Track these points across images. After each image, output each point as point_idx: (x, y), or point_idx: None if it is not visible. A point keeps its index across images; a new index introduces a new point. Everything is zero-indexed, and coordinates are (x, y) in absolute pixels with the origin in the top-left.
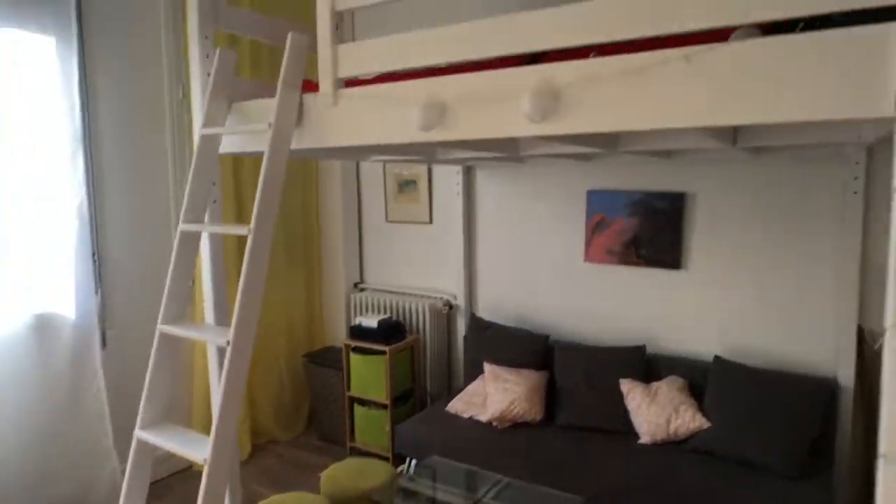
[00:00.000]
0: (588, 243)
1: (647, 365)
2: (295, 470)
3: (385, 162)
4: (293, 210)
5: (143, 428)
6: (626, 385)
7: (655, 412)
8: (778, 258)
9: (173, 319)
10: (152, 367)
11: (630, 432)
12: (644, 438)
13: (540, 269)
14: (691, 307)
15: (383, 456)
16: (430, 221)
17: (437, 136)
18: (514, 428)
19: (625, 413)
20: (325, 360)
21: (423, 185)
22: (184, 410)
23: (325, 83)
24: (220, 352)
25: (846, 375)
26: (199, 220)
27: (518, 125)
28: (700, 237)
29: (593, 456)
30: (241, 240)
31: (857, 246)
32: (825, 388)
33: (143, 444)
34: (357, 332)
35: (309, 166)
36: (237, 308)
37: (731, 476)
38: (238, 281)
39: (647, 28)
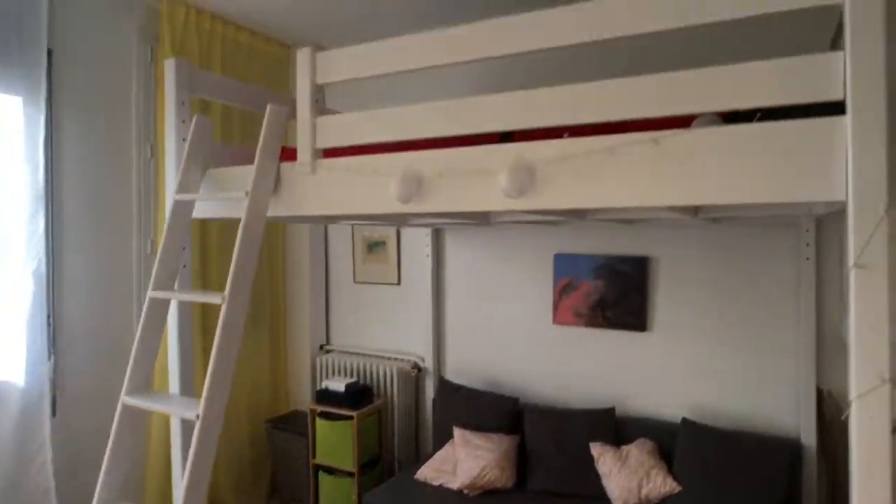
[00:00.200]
0: (556, 306)
1: (616, 427)
2: None
3: (354, 224)
4: (258, 270)
5: None
6: (596, 449)
7: (627, 476)
8: (738, 321)
9: (138, 390)
10: (113, 440)
11: (602, 497)
12: None
13: (509, 331)
14: (658, 369)
15: None
16: (399, 283)
17: (414, 207)
18: (486, 495)
19: (596, 477)
20: (290, 426)
21: (391, 246)
22: (135, 484)
23: (304, 153)
24: (186, 424)
25: (809, 436)
26: (170, 287)
27: (495, 200)
28: (664, 300)
29: None
30: (206, 305)
31: (811, 309)
32: (790, 450)
33: None
34: (323, 396)
35: (276, 225)
36: (208, 380)
37: None
38: (201, 347)
39: (616, 112)
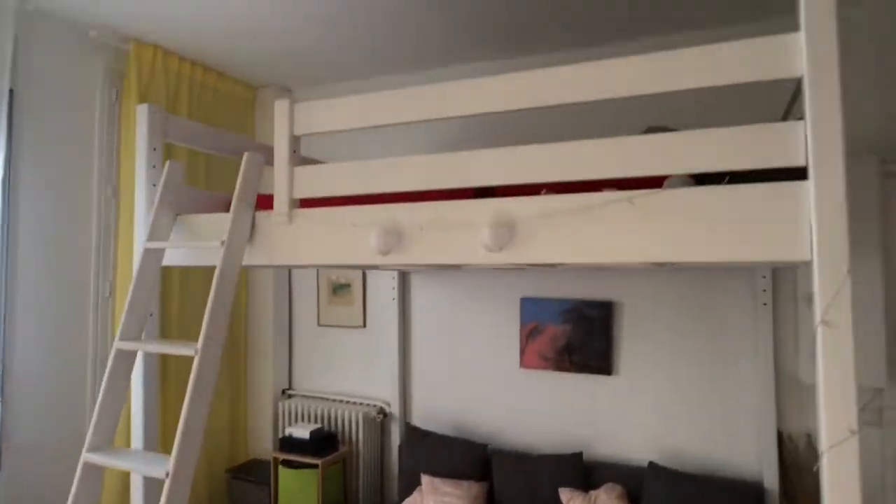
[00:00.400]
0: (523, 350)
1: (585, 472)
2: None
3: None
4: None
5: None
6: (565, 494)
7: None
8: (701, 364)
9: (101, 446)
10: (73, 501)
11: None
12: None
13: (476, 375)
14: (624, 412)
15: None
16: (364, 325)
17: (394, 259)
18: None
19: None
20: (250, 475)
21: (357, 288)
22: None
23: (281, 203)
24: (149, 482)
25: (771, 479)
26: (137, 337)
27: (475, 254)
28: (629, 344)
29: None
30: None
31: (769, 353)
32: (753, 493)
33: None
34: (287, 443)
35: None
36: (179, 436)
37: None
38: (164, 399)
39: (593, 172)
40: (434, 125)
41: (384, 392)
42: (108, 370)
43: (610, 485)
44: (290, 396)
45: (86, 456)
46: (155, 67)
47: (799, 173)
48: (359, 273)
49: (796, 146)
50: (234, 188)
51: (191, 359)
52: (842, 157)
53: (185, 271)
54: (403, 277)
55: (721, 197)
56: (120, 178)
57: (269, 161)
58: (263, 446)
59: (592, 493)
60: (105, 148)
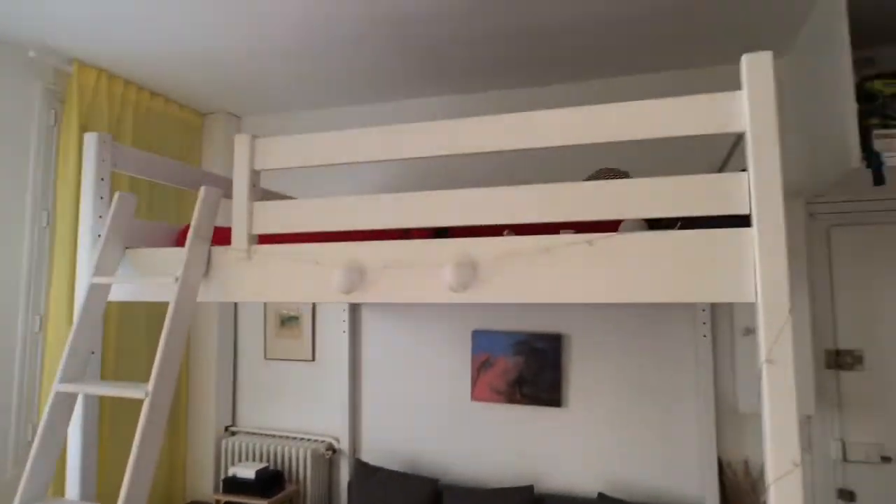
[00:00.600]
0: (474, 382)
1: None
2: None
3: None
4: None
5: None
6: None
7: None
8: (646, 395)
9: (36, 497)
10: None
11: None
12: None
13: (427, 408)
14: (573, 444)
15: None
16: (313, 359)
17: (357, 298)
18: None
19: None
20: None
21: (306, 321)
22: None
23: (239, 238)
24: None
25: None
26: (79, 378)
27: (438, 293)
28: (578, 376)
29: None
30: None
31: (710, 383)
32: None
33: None
34: (231, 485)
35: None
36: (127, 487)
37: None
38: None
39: (553, 215)
40: (389, 165)
41: (333, 427)
42: (45, 414)
43: None
44: (233, 433)
45: None
46: (98, 91)
47: (743, 220)
48: (308, 305)
49: (741, 195)
50: (177, 218)
51: (132, 400)
52: (781, 206)
53: (125, 305)
54: (354, 310)
55: (674, 241)
56: (56, 207)
57: (226, 193)
58: (204, 488)
59: None
60: (41, 174)
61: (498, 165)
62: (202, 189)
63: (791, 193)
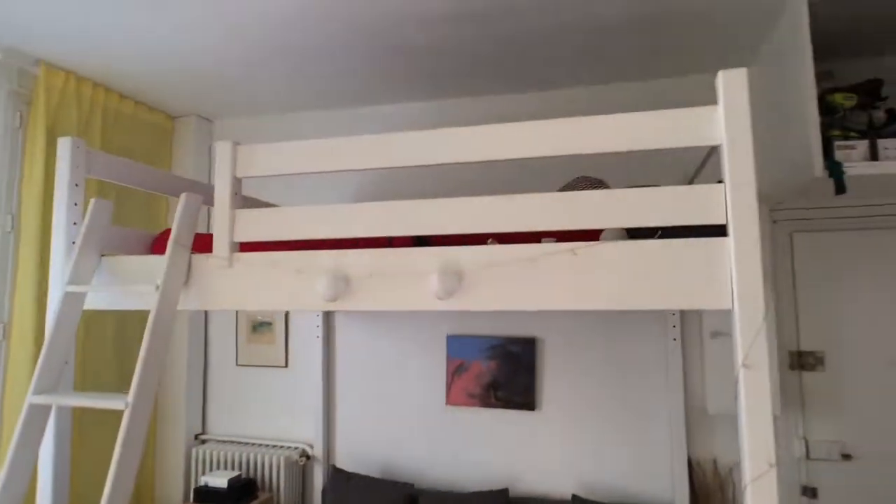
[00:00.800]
0: (449, 387)
1: None
2: None
3: None
4: (128, 350)
5: None
6: None
7: None
8: (618, 398)
9: None
10: None
11: None
12: None
13: (402, 413)
14: (547, 447)
15: None
16: (286, 365)
17: (342, 306)
18: None
19: None
20: None
21: (279, 327)
22: None
23: (221, 246)
24: None
25: (682, 503)
26: (53, 389)
27: (423, 300)
28: (551, 379)
29: None
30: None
31: (680, 386)
32: None
33: None
34: (202, 494)
35: None
36: (107, 498)
37: None
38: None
39: (538, 223)
40: (368, 173)
41: (307, 434)
42: (19, 427)
43: None
44: (203, 441)
45: None
46: (65, 93)
47: (720, 230)
48: (281, 311)
49: (717, 206)
50: (147, 224)
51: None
52: (756, 216)
53: (91, 314)
54: (328, 316)
55: (654, 250)
56: (21, 211)
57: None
58: (173, 498)
59: None
60: (5, 176)
61: (478, 174)
62: (183, 196)
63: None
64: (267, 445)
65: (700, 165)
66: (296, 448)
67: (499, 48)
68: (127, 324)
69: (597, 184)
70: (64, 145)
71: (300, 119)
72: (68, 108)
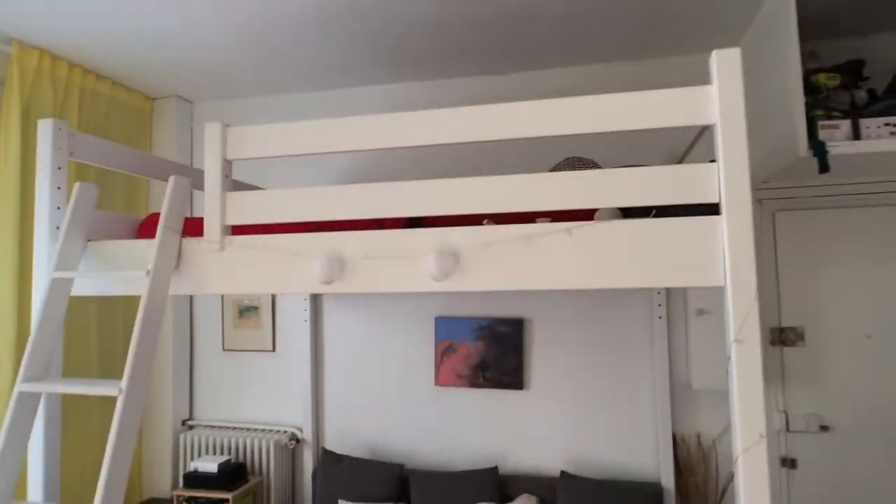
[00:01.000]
0: (437, 368)
1: (500, 485)
2: None
3: None
4: (111, 342)
5: None
6: None
7: None
8: (605, 376)
9: (1, 501)
10: None
11: None
12: None
13: (391, 394)
14: (536, 425)
15: None
16: (274, 349)
17: (338, 289)
18: None
19: None
20: None
21: (265, 311)
22: None
23: (212, 230)
24: None
25: (667, 478)
26: (42, 377)
27: (421, 282)
28: (539, 359)
29: None
30: None
31: (665, 363)
32: (652, 491)
33: None
34: (192, 479)
35: None
36: (103, 486)
37: None
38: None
39: (534, 204)
40: (356, 155)
41: (295, 417)
42: (9, 415)
43: (525, 496)
44: (191, 427)
45: None
46: (40, 73)
47: (713, 209)
48: (268, 295)
49: (711, 185)
50: (127, 208)
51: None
52: (749, 195)
53: (73, 300)
54: (315, 299)
55: (649, 229)
56: None
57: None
58: (161, 484)
59: None
60: None
61: (464, 156)
62: (172, 178)
63: None
64: (256, 430)
65: (690, 145)
66: (285, 432)
67: (483, 28)
68: (110, 310)
69: (588, 165)
70: (45, 127)
71: (282, 101)
72: (43, 89)
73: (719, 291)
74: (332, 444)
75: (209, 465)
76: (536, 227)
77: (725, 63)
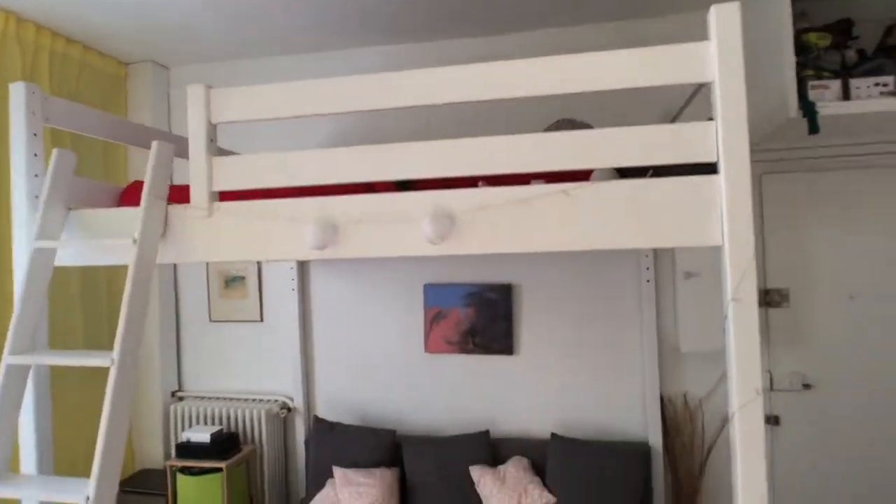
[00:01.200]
0: (427, 335)
1: (492, 449)
2: None
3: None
4: (95, 313)
5: None
6: (476, 472)
7: (507, 495)
8: (593, 339)
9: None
10: None
11: None
12: None
13: (381, 362)
14: (526, 389)
15: None
16: (262, 319)
17: (330, 254)
18: None
19: (479, 500)
20: (142, 487)
21: (252, 281)
22: None
23: (199, 196)
24: None
25: (655, 438)
26: (29, 349)
27: (416, 246)
28: (528, 324)
29: None
30: None
31: (653, 326)
32: (641, 451)
33: None
34: (184, 449)
35: None
36: (100, 456)
37: None
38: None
39: (530, 165)
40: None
41: (286, 386)
42: None
43: (517, 458)
44: (180, 399)
45: None
46: (6, 36)
47: (709, 168)
48: (254, 265)
49: (709, 144)
50: (104, 177)
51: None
52: (747, 154)
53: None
54: (302, 267)
55: (646, 189)
56: None
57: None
58: (153, 456)
59: (501, 468)
60: None
61: (450, 117)
62: (154, 144)
63: None
64: (246, 400)
65: (685, 103)
66: (276, 401)
67: None
68: (93, 283)
69: (580, 127)
70: (17, 91)
71: (265, 65)
72: (11, 53)
73: (707, 254)
74: (324, 412)
75: (202, 435)
76: (533, 189)
77: (725, 18)
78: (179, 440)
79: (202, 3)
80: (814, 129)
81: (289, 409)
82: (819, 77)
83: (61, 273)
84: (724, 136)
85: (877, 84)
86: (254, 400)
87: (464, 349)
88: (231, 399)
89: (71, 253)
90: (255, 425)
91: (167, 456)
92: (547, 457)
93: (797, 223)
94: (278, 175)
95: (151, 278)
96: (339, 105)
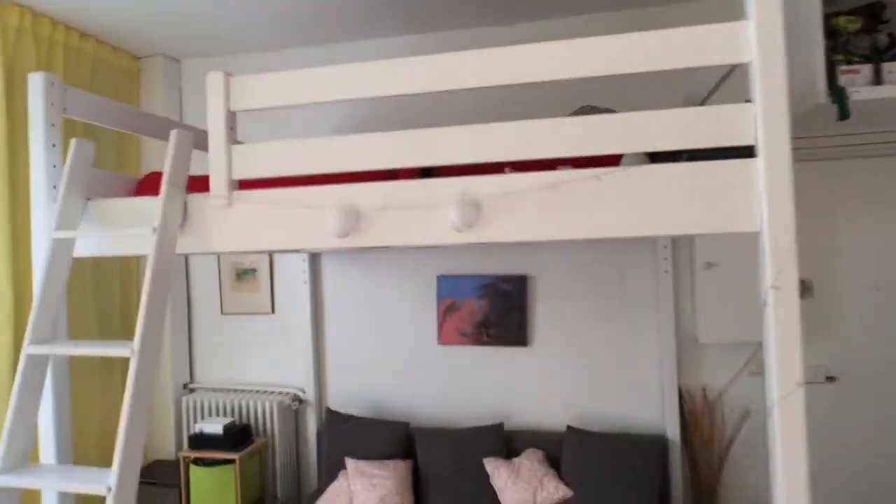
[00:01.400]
0: (440, 326)
1: (506, 441)
2: None
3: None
4: (108, 303)
5: None
6: (490, 464)
7: (522, 488)
8: (610, 330)
9: (16, 466)
10: None
11: None
12: None
13: (394, 354)
14: (541, 381)
15: None
16: (273, 311)
17: (354, 242)
18: None
19: (493, 493)
20: (155, 478)
21: (263, 273)
22: None
23: (218, 184)
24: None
25: (673, 431)
26: (50, 339)
27: (441, 234)
28: (543, 316)
29: None
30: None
31: (671, 317)
32: (658, 444)
33: None
34: (198, 441)
35: None
36: (121, 448)
37: None
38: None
39: (556, 150)
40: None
41: (297, 379)
42: (18, 378)
43: (531, 450)
44: (192, 391)
45: (2, 480)
46: (22, 31)
47: (746, 151)
48: (265, 257)
49: (746, 126)
50: (118, 168)
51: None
52: (788, 136)
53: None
54: (314, 259)
55: (681, 174)
56: None
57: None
58: (166, 447)
59: (515, 460)
60: None
61: (472, 103)
62: (173, 133)
63: None
64: (258, 392)
65: (715, 86)
66: (287, 393)
67: None
68: (106, 274)
69: (606, 112)
70: (36, 82)
71: (275, 58)
72: (26, 47)
73: (728, 244)
74: (336, 404)
75: (215, 426)
76: (563, 175)
77: None
78: (192, 432)
79: None
80: (844, 114)
81: (300, 401)
82: (849, 62)
83: (74, 264)
84: (763, 118)
85: None
86: (265, 392)
87: (477, 341)
88: (243, 391)
89: (90, 243)
90: (267, 417)
91: (179, 447)
92: (562, 449)
93: (822, 212)
94: (300, 162)
95: (171, 268)
96: (359, 91)
